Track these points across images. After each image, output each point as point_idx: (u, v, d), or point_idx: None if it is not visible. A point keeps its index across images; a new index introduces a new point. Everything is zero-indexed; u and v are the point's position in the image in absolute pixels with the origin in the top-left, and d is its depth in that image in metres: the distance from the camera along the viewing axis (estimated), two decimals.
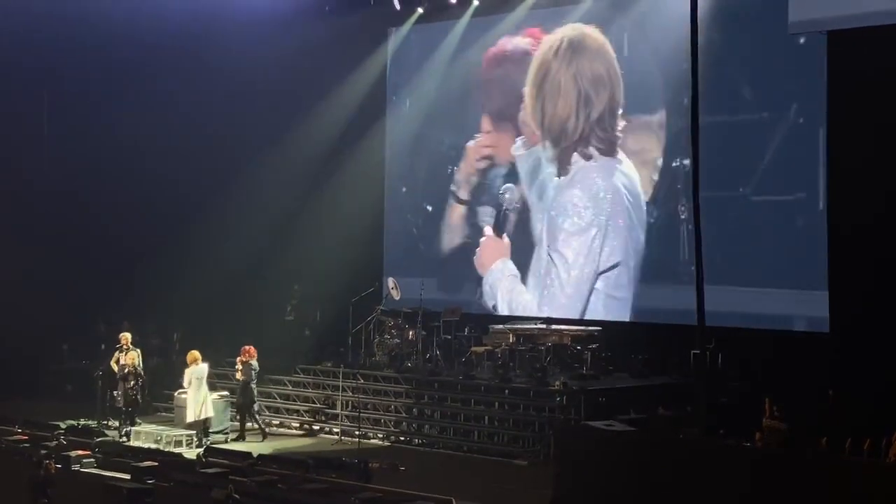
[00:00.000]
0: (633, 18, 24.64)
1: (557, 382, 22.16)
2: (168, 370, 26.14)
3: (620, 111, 24.84)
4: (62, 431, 22.50)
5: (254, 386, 23.68)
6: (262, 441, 23.20)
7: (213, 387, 23.98)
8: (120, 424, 23.36)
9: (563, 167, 25.60)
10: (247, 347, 23.66)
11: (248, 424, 23.69)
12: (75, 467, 20.36)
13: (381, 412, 24.13)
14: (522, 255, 26.25)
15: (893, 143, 20.29)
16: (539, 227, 26.00)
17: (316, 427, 24.65)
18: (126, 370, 23.30)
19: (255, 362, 23.64)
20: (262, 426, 23.87)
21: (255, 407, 23.84)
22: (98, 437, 22.22)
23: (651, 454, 17.01)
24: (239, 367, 23.58)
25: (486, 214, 26.80)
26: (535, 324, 24.96)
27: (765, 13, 22.65)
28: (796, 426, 18.83)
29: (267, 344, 25.64)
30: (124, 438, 22.81)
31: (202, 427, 22.96)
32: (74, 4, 26.30)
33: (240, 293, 27.57)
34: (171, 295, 27.83)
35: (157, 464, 19.84)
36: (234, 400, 23.96)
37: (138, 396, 23.40)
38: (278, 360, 25.95)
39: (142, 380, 23.44)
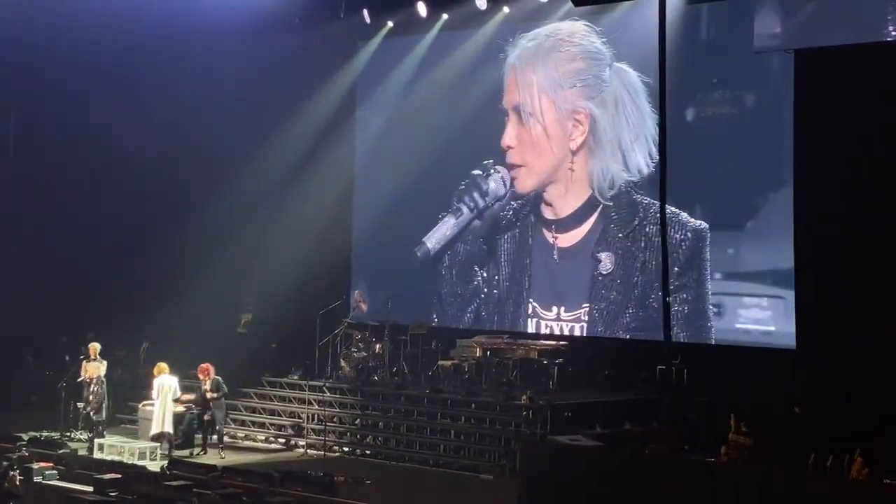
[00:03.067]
0: (605, 37, 24.71)
1: (524, 397, 22.14)
2: (133, 382, 25.96)
3: None
4: (25, 443, 22.35)
5: (223, 401, 23.55)
6: (205, 454, 22.95)
7: (179, 399, 23.82)
8: (88, 436, 23.20)
9: None
10: (206, 365, 23.29)
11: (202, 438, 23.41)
12: (38, 479, 20.23)
13: (348, 425, 24.06)
14: None
15: (861, 161, 20.39)
16: None
17: (282, 440, 24.55)
18: (90, 381, 23.18)
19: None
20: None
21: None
22: (61, 448, 22.08)
23: (617, 469, 17.04)
24: (206, 385, 23.15)
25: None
26: (503, 338, 24.96)
27: (732, 31, 22.84)
28: (761, 442, 18.90)
29: (232, 356, 25.58)
30: (86, 451, 22.64)
31: (168, 439, 22.78)
32: (44, 13, 26.18)
33: (207, 305, 27.43)
34: (138, 306, 27.70)
35: (120, 476, 19.72)
36: (201, 414, 23.47)
37: (102, 407, 23.24)
38: (244, 372, 25.90)
39: (102, 392, 23.27)
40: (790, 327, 21.82)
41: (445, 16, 26.81)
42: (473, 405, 22.88)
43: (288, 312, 27.14)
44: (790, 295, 21.85)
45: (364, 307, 26.39)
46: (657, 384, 21.13)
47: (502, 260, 26.08)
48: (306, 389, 24.69)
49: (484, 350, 24.43)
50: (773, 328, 22.32)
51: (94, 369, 23.42)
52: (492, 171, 26.15)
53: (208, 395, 23.13)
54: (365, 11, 27.33)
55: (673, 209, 23.26)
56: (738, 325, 22.81)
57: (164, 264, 27.93)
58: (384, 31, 27.96)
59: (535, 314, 25.58)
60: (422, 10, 26.59)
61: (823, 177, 21.11)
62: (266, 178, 28.24)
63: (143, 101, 27.33)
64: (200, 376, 23.23)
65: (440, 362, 24.80)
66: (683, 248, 23.14)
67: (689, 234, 23.13)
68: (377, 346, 25.23)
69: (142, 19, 26.50)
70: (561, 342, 24.38)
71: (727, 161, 23.14)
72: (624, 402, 22.35)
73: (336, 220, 28.54)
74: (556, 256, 25.40)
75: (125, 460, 21.77)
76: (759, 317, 22.56)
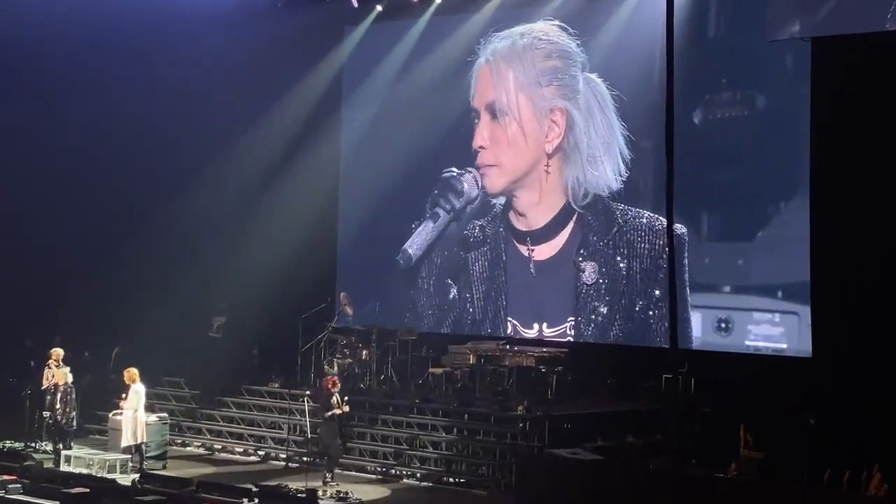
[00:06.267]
0: (605, 22, 24.73)
1: (520, 407, 22.13)
2: (103, 390, 25.88)
3: None
4: None
5: None
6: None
7: (150, 408, 23.78)
8: (54, 447, 23.13)
9: None
10: (331, 378, 22.46)
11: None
12: (0, 493, 20.16)
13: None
14: None
15: (885, 163, 20.32)
16: None
17: (261, 452, 24.50)
18: (55, 388, 23.10)
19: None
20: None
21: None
22: (25, 460, 21.98)
23: (619, 485, 17.05)
24: (336, 399, 21.94)
25: None
26: (497, 344, 24.94)
27: (742, 28, 22.94)
28: (773, 456, 18.90)
29: (210, 363, 25.55)
30: (52, 463, 22.57)
31: (139, 451, 22.70)
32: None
33: (184, 309, 27.37)
34: (109, 308, 27.65)
35: (88, 490, 19.63)
36: (318, 439, 22.51)
37: (70, 416, 23.19)
38: (222, 380, 25.90)
39: (70, 400, 23.17)
40: (804, 344, 21.85)
41: None
42: (466, 416, 22.87)
43: (269, 316, 27.09)
44: (804, 310, 21.87)
45: (350, 311, 26.32)
46: (662, 394, 21.18)
47: (474, 278, 26.23)
48: (287, 398, 24.62)
49: (478, 357, 24.40)
50: (785, 345, 22.34)
51: (61, 376, 23.33)
52: (464, 171, 26.43)
53: (345, 408, 22.09)
54: None
55: (651, 214, 23.84)
56: (748, 342, 22.85)
57: (137, 265, 27.90)
58: (373, 16, 27.97)
59: (515, 332, 25.66)
60: None
61: (843, 181, 21.01)
62: (247, 173, 28.19)
63: (116, 93, 27.21)
64: (332, 389, 22.00)
65: (431, 370, 24.80)
66: (665, 255, 23.27)
67: None
68: (363, 352, 25.20)
69: (117, 5, 26.43)
70: (560, 349, 24.36)
71: (737, 166, 23.20)
72: (627, 413, 22.34)
73: (320, 219, 28.49)
74: (532, 270, 25.49)
75: (94, 473, 21.69)
76: (771, 333, 22.58)
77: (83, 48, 26.94)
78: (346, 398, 22.10)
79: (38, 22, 26.36)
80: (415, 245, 27.14)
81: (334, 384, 22.06)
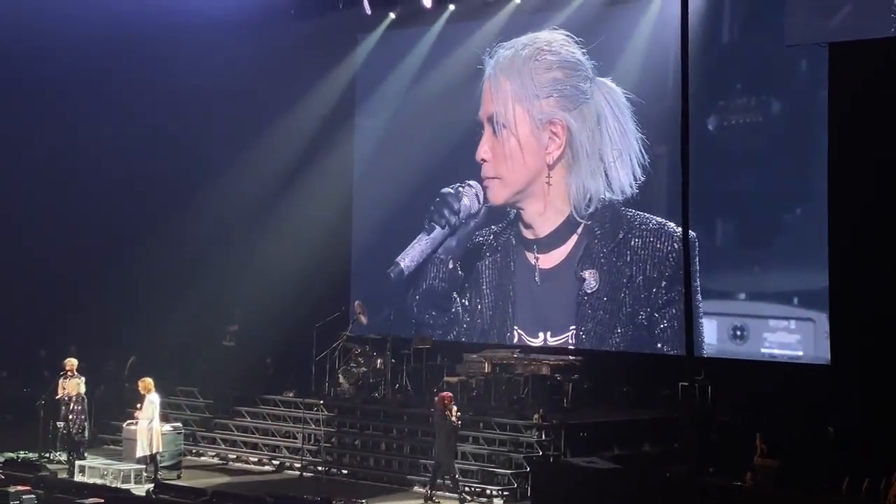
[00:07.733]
0: (620, 28, 24.74)
1: (536, 416, 22.11)
2: (118, 399, 25.94)
3: None
4: (0, 464, 22.31)
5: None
6: None
7: (165, 418, 23.82)
8: (68, 457, 23.19)
9: None
10: (448, 394, 21.81)
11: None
12: (14, 503, 20.20)
13: (347, 446, 24.03)
14: None
15: None
16: None
17: (276, 461, 24.53)
18: (68, 398, 23.15)
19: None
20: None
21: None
22: (40, 470, 22.04)
23: (636, 494, 17.02)
24: (453, 414, 21.28)
25: None
26: (513, 352, 24.93)
27: (758, 31, 22.94)
28: (790, 464, 18.87)
29: (224, 372, 25.56)
30: (66, 473, 22.62)
31: (153, 461, 22.74)
32: (26, 5, 26.20)
33: (199, 318, 27.42)
34: (122, 319, 27.68)
35: (102, 500, 19.65)
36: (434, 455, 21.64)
37: (83, 427, 23.23)
38: (236, 389, 25.92)
39: (83, 410, 23.21)
40: (820, 352, 21.85)
41: (452, 6, 26.88)
42: (481, 425, 22.82)
43: (283, 325, 27.13)
44: (820, 317, 21.86)
45: (364, 319, 26.32)
46: (679, 402, 21.13)
47: (484, 287, 26.32)
48: (302, 408, 24.66)
49: (493, 366, 24.38)
50: (801, 353, 22.33)
51: (74, 386, 23.41)
52: (464, 186, 26.48)
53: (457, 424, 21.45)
54: (365, 2, 27.45)
55: (659, 219, 23.91)
56: (763, 350, 22.85)
57: (151, 274, 27.93)
58: (386, 24, 28.03)
59: (521, 342, 25.67)
60: (427, 0, 26.64)
61: (861, 187, 20.99)
62: (260, 181, 28.28)
63: (128, 100, 27.31)
64: (449, 404, 21.27)
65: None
66: (671, 260, 23.36)
67: (676, 246, 23.18)
68: (378, 360, 25.18)
69: (126, 11, 26.50)
70: (576, 357, 24.35)
71: (752, 172, 23.18)
72: (643, 421, 22.35)
73: (334, 227, 28.55)
74: (537, 279, 25.51)
75: (108, 483, 21.73)
76: (787, 340, 22.59)
77: (99, 54, 27.08)
78: (458, 412, 21.56)
79: (52, 26, 26.45)
80: (407, 258, 27.25)
81: (451, 399, 21.49)
